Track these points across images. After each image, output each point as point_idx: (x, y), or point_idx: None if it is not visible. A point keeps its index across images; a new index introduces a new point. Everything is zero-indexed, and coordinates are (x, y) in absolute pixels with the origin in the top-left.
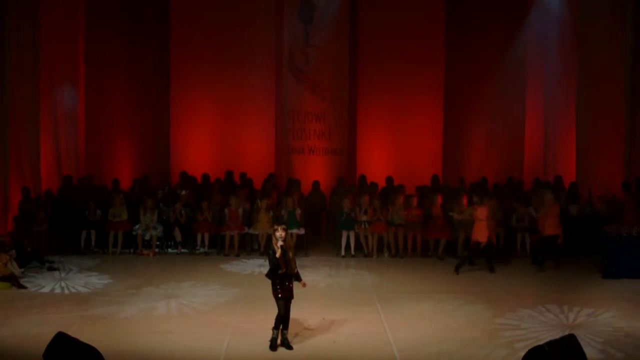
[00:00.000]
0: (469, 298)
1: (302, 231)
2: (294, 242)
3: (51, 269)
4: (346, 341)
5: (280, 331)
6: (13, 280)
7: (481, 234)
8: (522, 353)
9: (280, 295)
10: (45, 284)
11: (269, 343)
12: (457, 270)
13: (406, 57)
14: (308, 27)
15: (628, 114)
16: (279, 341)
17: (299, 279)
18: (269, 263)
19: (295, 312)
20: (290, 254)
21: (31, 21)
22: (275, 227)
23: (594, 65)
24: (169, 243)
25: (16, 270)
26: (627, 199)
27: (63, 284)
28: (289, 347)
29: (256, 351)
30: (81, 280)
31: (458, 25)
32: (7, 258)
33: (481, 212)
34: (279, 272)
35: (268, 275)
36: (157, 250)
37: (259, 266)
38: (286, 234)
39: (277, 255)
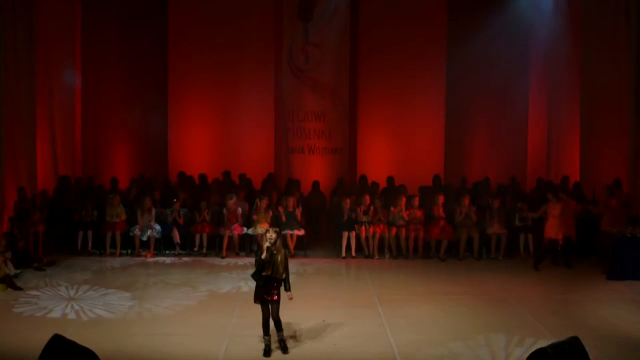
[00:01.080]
0: (471, 300)
1: (302, 232)
2: (293, 244)
3: (39, 269)
4: (347, 344)
5: (277, 334)
6: (8, 282)
7: (555, 230)
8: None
9: (261, 299)
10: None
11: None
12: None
13: (407, 54)
14: (307, 25)
15: (633, 112)
16: (274, 345)
17: (287, 287)
18: (255, 264)
19: (294, 315)
20: (279, 258)
21: (27, 21)
22: (268, 228)
23: (598, 62)
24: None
25: (11, 271)
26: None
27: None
28: (284, 351)
29: (255, 354)
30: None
31: (460, 22)
32: (2, 260)
33: (554, 209)
34: (263, 274)
35: (253, 275)
36: (155, 251)
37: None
38: (277, 236)
39: (263, 256)
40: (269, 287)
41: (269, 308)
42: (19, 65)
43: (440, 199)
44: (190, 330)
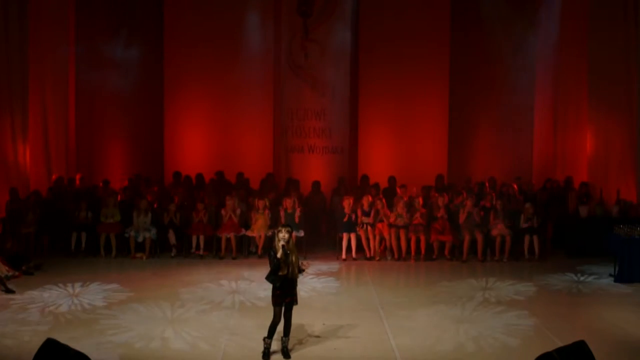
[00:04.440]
0: (475, 303)
1: (301, 233)
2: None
3: (27, 273)
4: (347, 348)
5: (282, 339)
6: (1, 284)
7: None
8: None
9: (278, 301)
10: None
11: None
12: None
13: (410, 51)
14: (307, 21)
15: None
16: (274, 349)
17: (300, 271)
18: (270, 264)
19: (294, 318)
20: (293, 258)
21: (19, 20)
22: (280, 228)
23: (605, 60)
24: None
25: (3, 273)
26: None
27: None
28: (287, 357)
29: (253, 358)
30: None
31: (464, 18)
32: None
33: None
34: (280, 273)
35: (268, 277)
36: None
37: None
38: (290, 236)
39: (279, 255)
40: (286, 287)
41: (282, 311)
42: (10, 64)
43: (443, 199)
44: (188, 334)
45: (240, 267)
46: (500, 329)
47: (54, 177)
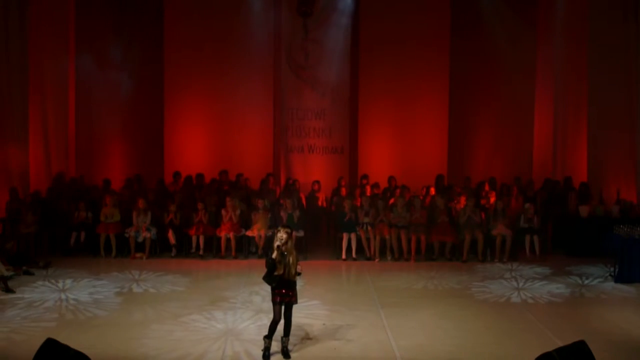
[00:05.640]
0: (475, 303)
1: (301, 233)
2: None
3: (27, 273)
4: (347, 348)
5: (282, 339)
6: (1, 284)
7: None
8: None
9: (278, 300)
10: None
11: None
12: None
13: (410, 51)
14: (307, 21)
15: None
16: (274, 349)
17: (297, 273)
18: (265, 265)
19: (294, 319)
20: (291, 259)
21: (20, 21)
22: (279, 228)
23: (605, 60)
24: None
25: (3, 273)
26: None
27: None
28: (287, 357)
29: (253, 358)
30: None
31: (464, 19)
32: None
33: None
34: (275, 273)
35: (264, 278)
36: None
37: None
38: (287, 237)
39: (273, 255)
40: (283, 287)
41: (282, 310)
42: (10, 64)
43: (443, 200)
44: (187, 334)
45: (239, 268)
46: (500, 328)
47: (53, 174)
